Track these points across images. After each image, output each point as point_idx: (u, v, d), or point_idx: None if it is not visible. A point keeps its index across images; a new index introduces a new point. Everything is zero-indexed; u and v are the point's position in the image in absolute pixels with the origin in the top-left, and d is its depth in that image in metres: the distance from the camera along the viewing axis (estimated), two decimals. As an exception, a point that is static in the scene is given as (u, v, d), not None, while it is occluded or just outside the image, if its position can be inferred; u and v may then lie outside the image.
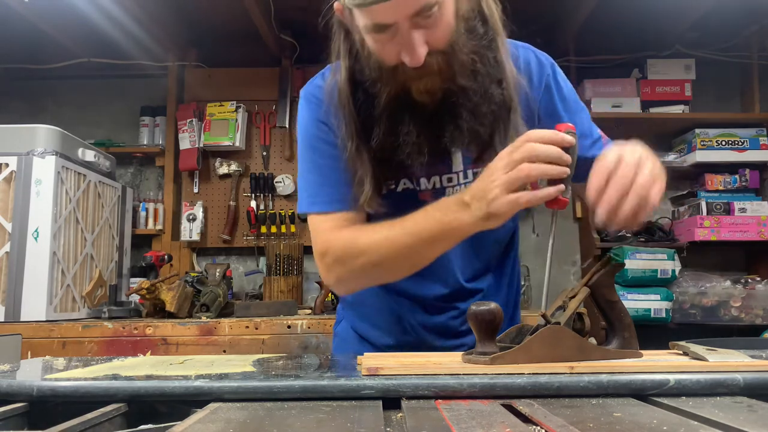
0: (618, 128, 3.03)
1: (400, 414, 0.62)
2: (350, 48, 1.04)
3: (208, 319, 2.51)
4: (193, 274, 2.81)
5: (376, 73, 0.99)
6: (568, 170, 0.87)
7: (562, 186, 0.87)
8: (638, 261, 3.05)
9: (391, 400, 0.67)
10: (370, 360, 0.78)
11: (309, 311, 2.87)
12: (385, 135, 1.01)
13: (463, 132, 1.00)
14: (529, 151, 0.86)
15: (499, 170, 0.89)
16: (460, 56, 0.97)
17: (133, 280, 3.09)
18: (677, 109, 3.33)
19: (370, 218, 1.10)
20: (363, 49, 1.00)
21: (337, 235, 1.07)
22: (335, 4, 1.02)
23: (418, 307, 1.18)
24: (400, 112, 1.00)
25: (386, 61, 0.96)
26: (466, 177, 1.11)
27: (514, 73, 1.05)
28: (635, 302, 3.03)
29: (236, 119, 3.40)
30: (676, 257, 3.11)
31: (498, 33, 1.03)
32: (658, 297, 3.05)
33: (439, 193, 1.11)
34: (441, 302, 1.17)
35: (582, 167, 0.90)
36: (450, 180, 1.11)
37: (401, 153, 1.01)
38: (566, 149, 0.87)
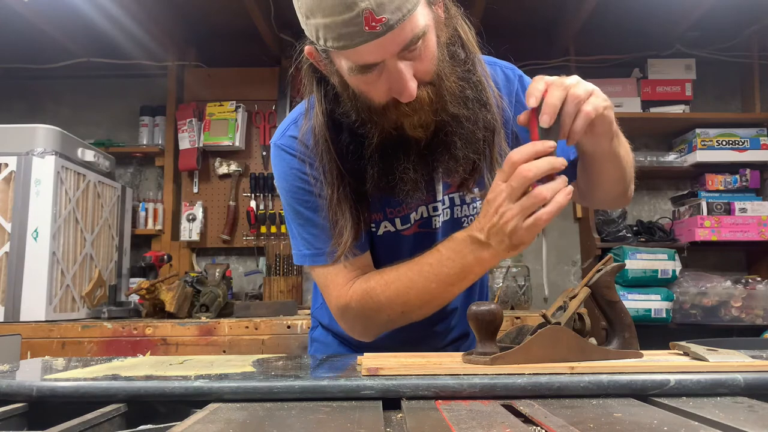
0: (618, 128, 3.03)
1: (400, 414, 0.62)
2: (326, 92, 1.01)
3: (208, 320, 2.51)
4: (192, 274, 2.81)
5: (365, 114, 0.95)
6: (566, 176, 0.87)
7: (570, 187, 0.88)
8: (638, 261, 3.05)
9: (391, 401, 0.67)
10: (370, 360, 0.78)
11: (309, 311, 2.87)
12: (380, 175, 0.99)
13: (459, 161, 0.99)
14: (525, 176, 0.85)
15: (504, 202, 0.88)
16: (448, 84, 0.95)
17: (132, 280, 3.09)
18: (677, 109, 3.33)
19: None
20: (346, 90, 0.96)
21: (352, 290, 1.05)
22: (306, 48, 0.97)
23: (400, 339, 1.16)
24: (393, 150, 0.98)
25: (375, 100, 0.93)
26: (444, 203, 1.11)
27: (496, 93, 1.04)
28: (635, 302, 3.03)
29: (236, 119, 3.40)
30: (677, 257, 3.11)
31: (476, 55, 1.02)
32: (658, 297, 3.05)
33: (425, 223, 1.11)
34: (420, 329, 1.15)
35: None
36: (435, 209, 1.11)
37: (399, 191, 0.99)
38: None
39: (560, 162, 0.86)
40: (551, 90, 0.87)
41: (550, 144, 0.86)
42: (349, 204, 1.02)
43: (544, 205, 0.87)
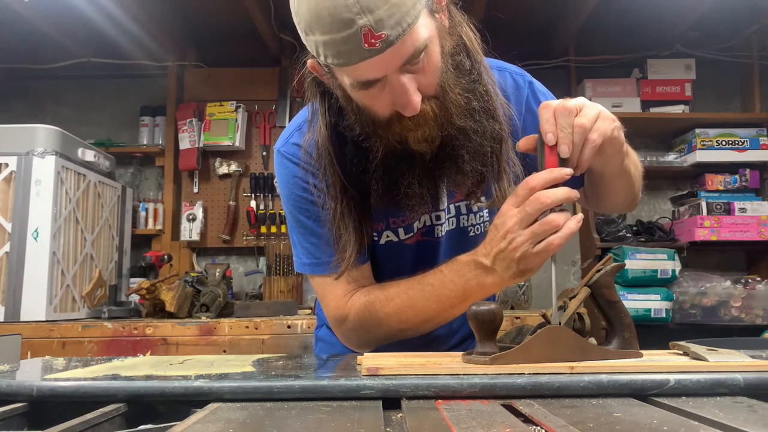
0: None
1: (400, 414, 0.62)
2: (330, 106, 0.99)
3: (208, 319, 2.51)
4: (193, 274, 2.81)
5: (369, 127, 0.93)
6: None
7: (581, 215, 0.87)
8: (638, 261, 3.05)
9: (391, 400, 0.67)
10: (370, 360, 0.78)
11: (309, 311, 2.87)
12: (384, 189, 0.97)
13: (466, 174, 0.97)
14: (543, 202, 0.84)
15: (514, 227, 0.87)
16: (453, 96, 0.92)
17: (132, 280, 3.10)
18: (677, 109, 3.33)
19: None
20: (350, 104, 0.94)
21: (351, 303, 1.05)
22: (309, 62, 0.95)
23: (403, 344, 1.14)
24: (398, 163, 0.96)
25: (379, 113, 0.91)
26: (448, 212, 1.10)
27: (503, 102, 1.02)
28: (635, 302, 3.03)
29: (236, 119, 3.40)
30: (677, 257, 3.11)
31: (482, 63, 0.99)
32: (658, 297, 3.05)
33: (428, 231, 1.10)
34: (422, 335, 1.12)
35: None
36: (438, 218, 1.10)
37: (404, 206, 0.98)
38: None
39: (575, 194, 0.85)
40: (559, 120, 0.84)
41: (567, 171, 0.84)
42: (352, 218, 1.00)
43: (554, 232, 0.86)
